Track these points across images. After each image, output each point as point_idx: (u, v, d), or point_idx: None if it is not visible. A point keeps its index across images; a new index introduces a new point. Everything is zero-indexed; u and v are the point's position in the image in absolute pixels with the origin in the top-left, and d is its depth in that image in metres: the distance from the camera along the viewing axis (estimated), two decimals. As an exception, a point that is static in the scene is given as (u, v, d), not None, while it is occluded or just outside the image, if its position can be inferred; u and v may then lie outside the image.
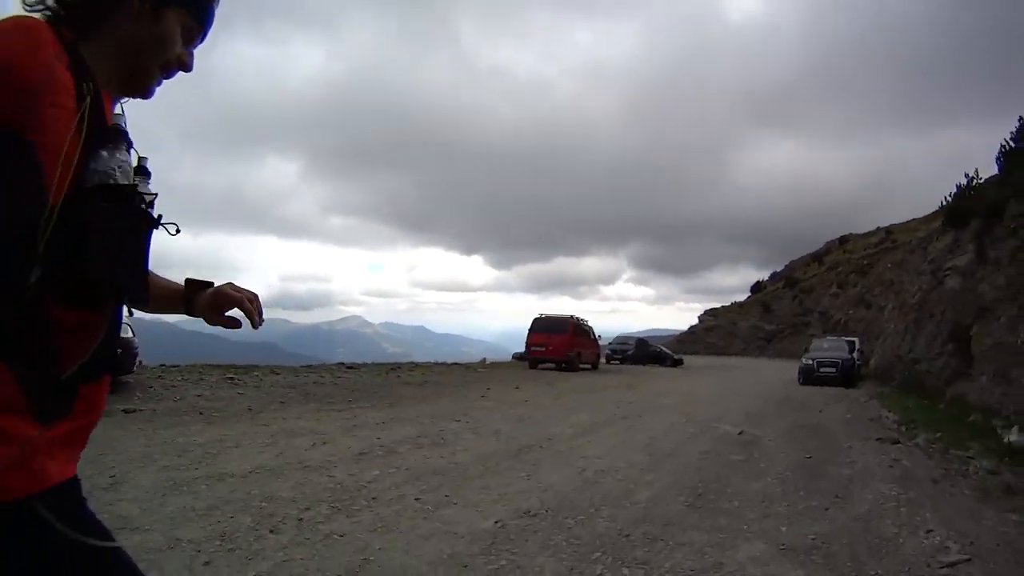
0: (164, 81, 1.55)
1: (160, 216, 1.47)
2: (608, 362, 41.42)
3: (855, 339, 30.27)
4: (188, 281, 1.70)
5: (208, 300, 1.64)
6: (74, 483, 1.38)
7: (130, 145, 1.42)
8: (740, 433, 11.03)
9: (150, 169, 1.48)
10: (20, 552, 1.24)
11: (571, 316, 30.98)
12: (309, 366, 20.26)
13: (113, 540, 1.41)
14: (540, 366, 29.13)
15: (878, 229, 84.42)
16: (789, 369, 32.48)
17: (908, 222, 76.31)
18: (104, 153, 1.30)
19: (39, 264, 1.19)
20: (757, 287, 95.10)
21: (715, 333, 79.83)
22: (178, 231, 1.50)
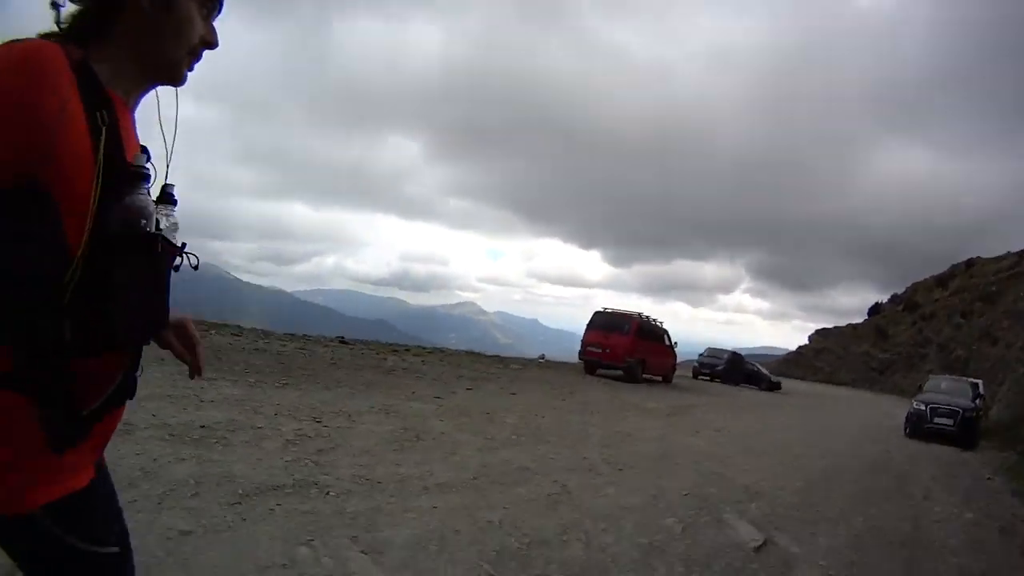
0: (195, 65, 1.54)
1: (184, 245, 1.47)
2: (695, 377, 37.16)
3: (979, 381, 24.30)
4: None
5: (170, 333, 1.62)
6: (85, 493, 1.40)
7: (148, 182, 1.38)
8: (760, 547, 6.07)
9: (176, 196, 1.48)
10: (28, 558, 1.36)
11: (638, 314, 25.92)
12: (340, 338, 19.39)
13: (117, 545, 1.48)
14: (599, 372, 24.32)
15: (1009, 254, 75.75)
16: (897, 410, 27.76)
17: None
18: (125, 199, 1.29)
19: (67, 317, 1.22)
20: (875, 309, 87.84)
21: (824, 357, 73.82)
22: (198, 263, 1.52)
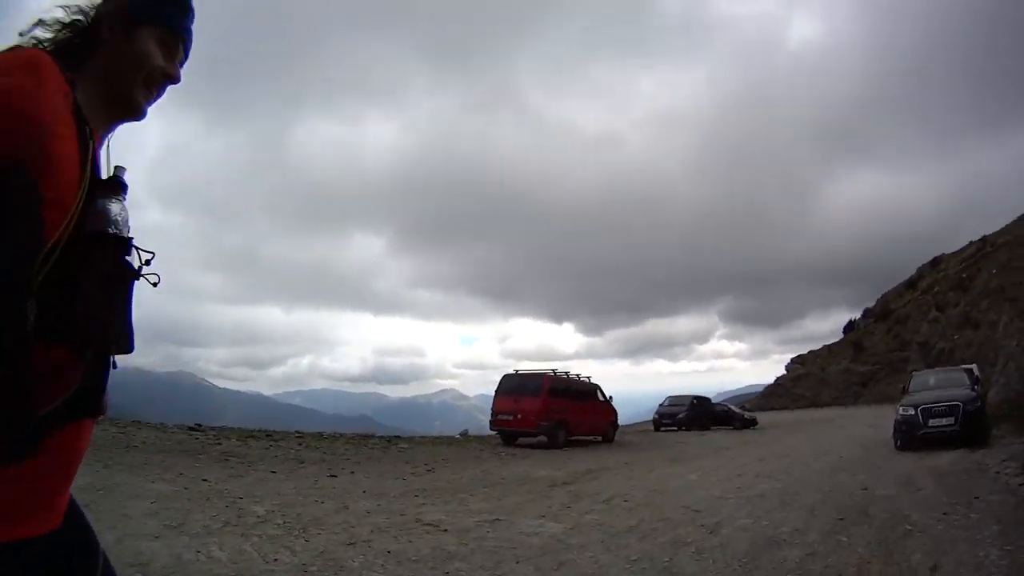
0: (156, 100, 1.58)
1: (142, 267, 1.48)
2: (657, 429, 33.42)
3: (971, 366, 19.18)
4: None
5: None
6: (46, 541, 1.34)
7: (125, 192, 1.44)
8: None
9: (127, 182, 1.47)
10: None
11: (552, 371, 22.26)
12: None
13: None
14: (519, 441, 20.82)
15: (971, 243, 71.56)
16: (883, 420, 22.52)
17: (1003, 229, 63.42)
18: (104, 201, 1.35)
19: (33, 298, 1.21)
20: (849, 326, 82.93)
21: (803, 383, 68.07)
22: (159, 282, 1.51)
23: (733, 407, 39.29)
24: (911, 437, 15.23)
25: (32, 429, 1.25)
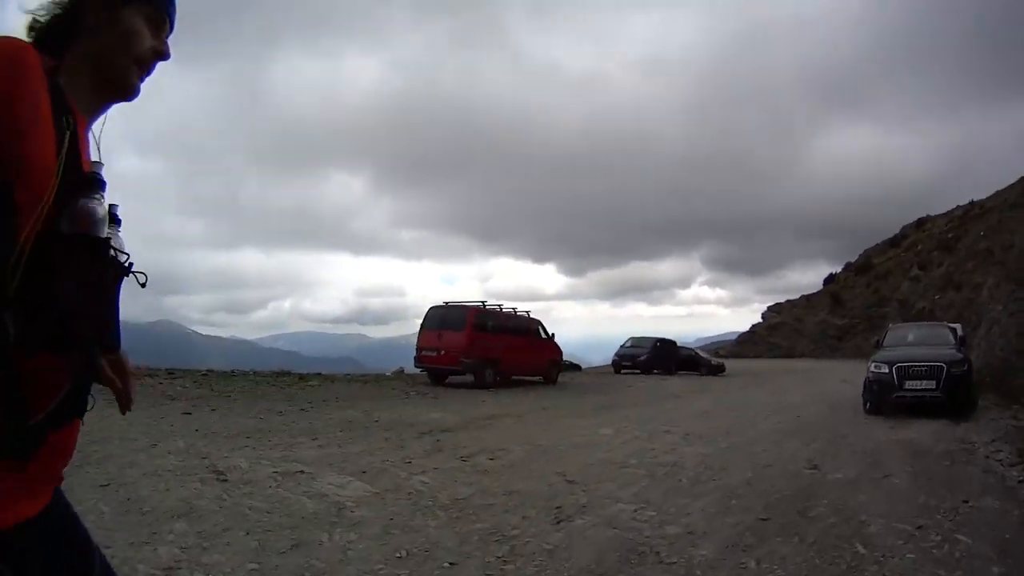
0: (147, 77, 1.50)
1: (131, 264, 1.41)
2: (617, 372, 31.14)
3: (956, 326, 16.20)
4: None
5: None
6: (31, 524, 1.29)
7: (103, 190, 1.34)
8: None
9: (120, 217, 1.43)
10: None
11: (481, 303, 20.46)
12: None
13: None
14: (450, 379, 18.90)
15: (958, 206, 68.64)
16: (856, 376, 20.18)
17: (994, 194, 60.40)
18: (81, 200, 1.25)
19: (9, 309, 1.15)
20: (830, 279, 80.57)
21: (779, 332, 65.97)
22: (146, 281, 1.44)
23: (700, 352, 37.06)
24: (883, 400, 12.77)
25: (27, 439, 1.20)
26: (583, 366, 35.34)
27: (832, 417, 12.71)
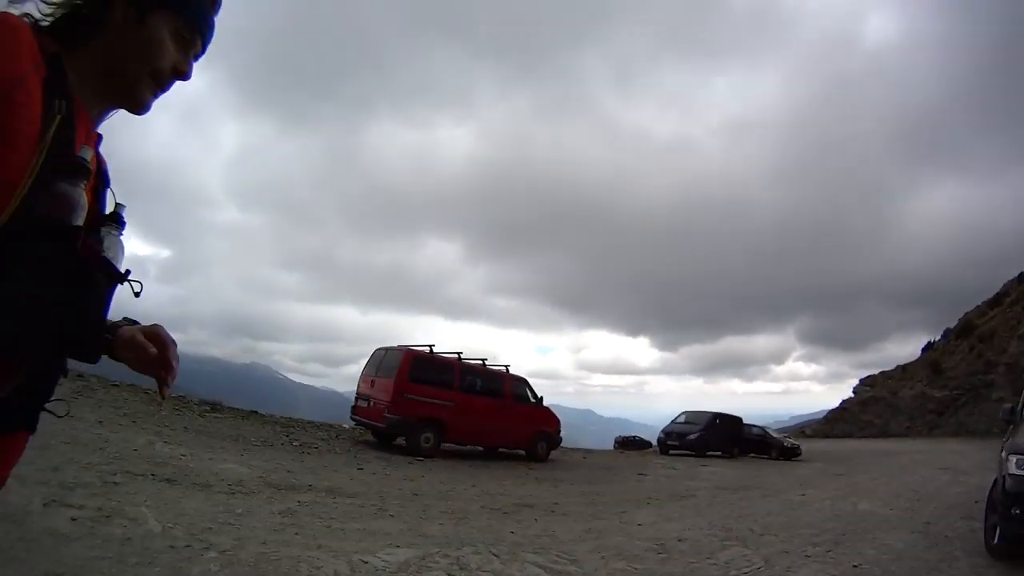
0: (161, 94, 1.40)
1: (128, 272, 1.32)
2: (663, 453, 26.38)
3: None
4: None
5: (126, 341, 1.34)
6: None
7: (106, 185, 1.34)
8: None
9: (126, 218, 1.35)
10: None
11: (429, 347, 16.10)
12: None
13: None
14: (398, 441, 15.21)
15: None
16: (963, 462, 14.46)
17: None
18: (61, 184, 1.16)
19: None
20: (928, 347, 72.25)
21: (872, 408, 58.05)
22: (141, 291, 1.35)
23: (772, 432, 31.25)
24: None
25: None
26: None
27: (927, 558, 7.36)
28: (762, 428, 30.91)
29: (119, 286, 1.30)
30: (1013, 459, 7.00)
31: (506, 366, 17.66)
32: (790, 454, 28.70)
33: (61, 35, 1.25)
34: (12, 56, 1.09)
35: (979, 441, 35.65)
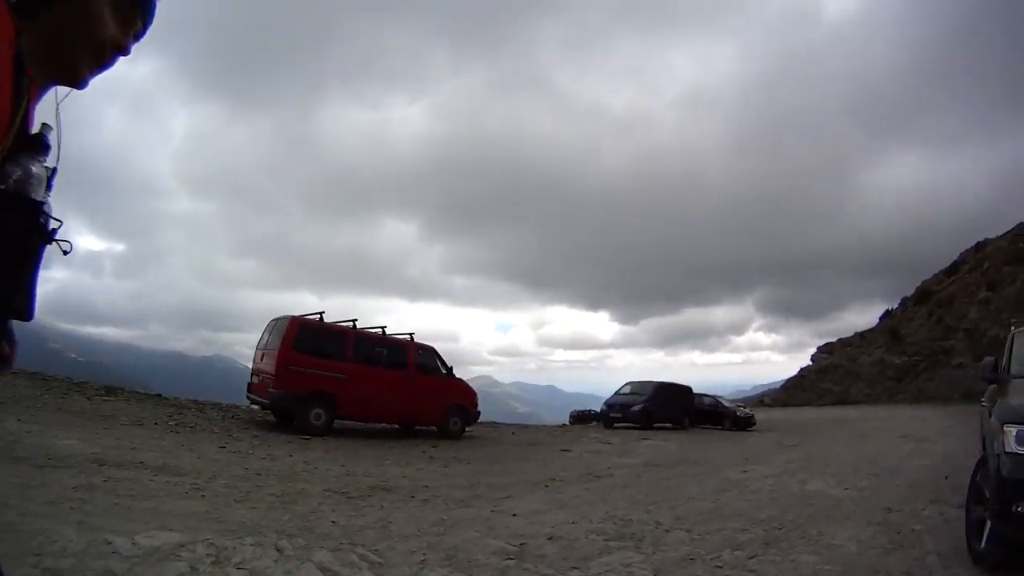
0: (101, 71, 1.39)
1: (55, 231, 1.32)
2: (607, 427, 23.69)
3: None
4: None
5: None
6: None
7: (47, 153, 1.31)
8: None
9: (51, 142, 1.32)
10: None
11: (315, 316, 14.31)
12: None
13: None
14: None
15: (1020, 224, 58.81)
16: (924, 429, 12.57)
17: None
18: (23, 160, 1.22)
19: None
20: (886, 315, 71.15)
21: (831, 375, 56.85)
22: (70, 250, 1.36)
23: (725, 402, 29.28)
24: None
25: None
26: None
27: (888, 569, 5.19)
28: (714, 398, 29.09)
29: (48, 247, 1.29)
30: (1012, 431, 4.76)
31: (410, 334, 15.66)
32: (744, 424, 27.25)
33: (23, 7, 1.21)
34: None
35: (940, 407, 34.43)
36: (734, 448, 17.12)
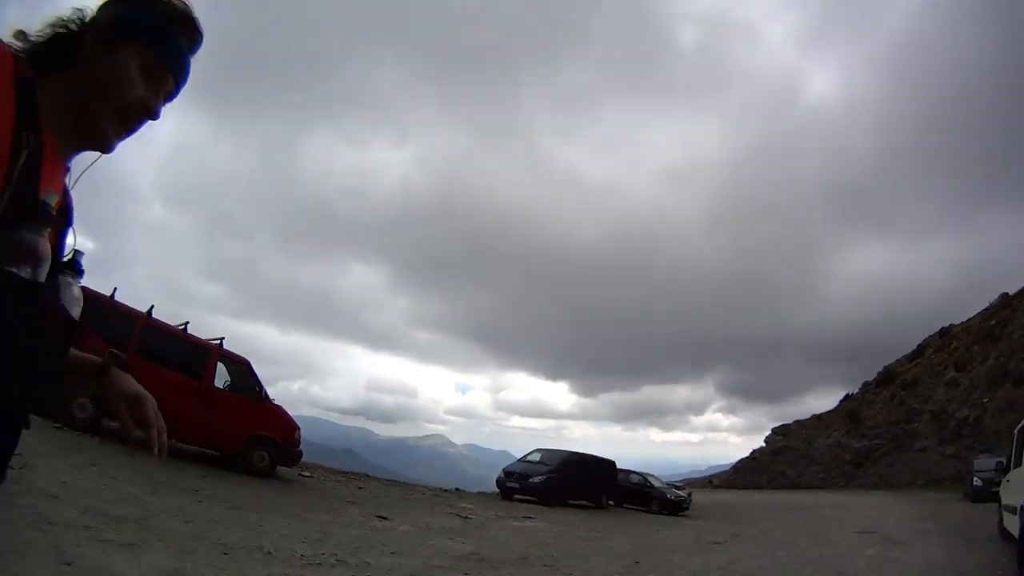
0: (129, 135, 1.27)
1: (85, 324, 1.26)
2: (506, 497, 19.42)
3: None
4: (110, 353, 1.36)
5: (118, 387, 1.34)
6: None
7: (69, 224, 1.24)
8: None
9: (84, 267, 1.29)
10: None
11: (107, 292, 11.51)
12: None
13: None
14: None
15: (990, 305, 55.64)
16: (894, 524, 11.60)
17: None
18: (21, 235, 1.10)
19: None
20: (846, 399, 66.99)
21: (784, 458, 52.02)
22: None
23: (654, 479, 24.52)
24: None
25: None
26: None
27: None
28: (643, 475, 24.31)
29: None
30: None
31: (220, 339, 12.60)
32: (675, 508, 22.58)
33: (36, 61, 1.14)
34: None
35: (902, 494, 29.99)
36: (633, 542, 12.34)
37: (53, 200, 1.15)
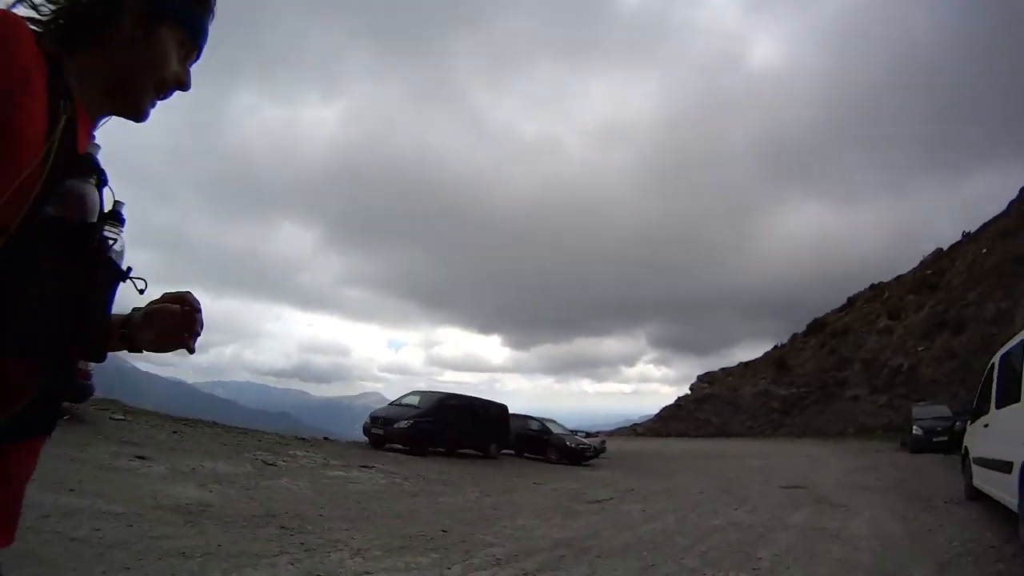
0: (160, 101, 1.29)
1: (129, 269, 1.24)
2: (377, 446, 16.13)
3: None
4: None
5: (143, 320, 1.27)
6: None
7: (104, 182, 1.20)
8: None
9: (125, 216, 1.28)
10: None
11: None
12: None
13: None
14: None
15: (922, 261, 54.06)
16: (827, 478, 9.94)
17: (980, 228, 45.97)
18: (69, 183, 1.09)
19: None
20: (774, 349, 65.22)
21: (710, 405, 49.97)
22: (145, 288, 1.27)
23: (554, 425, 21.46)
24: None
25: None
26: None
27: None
28: (541, 422, 21.05)
29: (121, 284, 1.20)
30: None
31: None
32: (576, 457, 19.52)
33: (61, 36, 1.13)
34: (14, 54, 0.98)
35: (832, 442, 27.53)
36: (473, 501, 8.88)
37: (97, 152, 1.17)
